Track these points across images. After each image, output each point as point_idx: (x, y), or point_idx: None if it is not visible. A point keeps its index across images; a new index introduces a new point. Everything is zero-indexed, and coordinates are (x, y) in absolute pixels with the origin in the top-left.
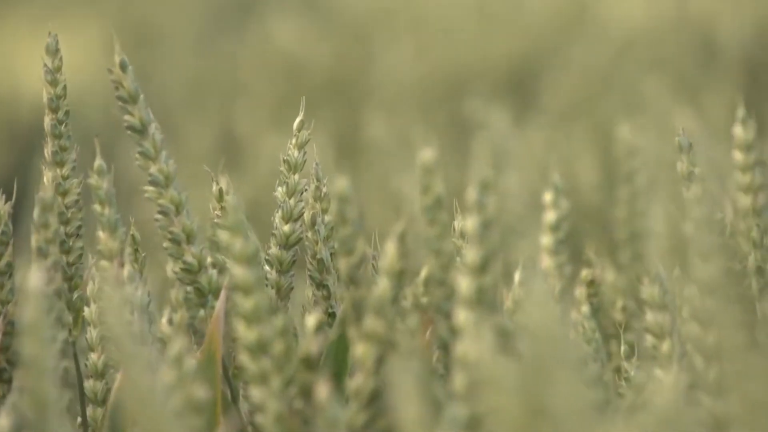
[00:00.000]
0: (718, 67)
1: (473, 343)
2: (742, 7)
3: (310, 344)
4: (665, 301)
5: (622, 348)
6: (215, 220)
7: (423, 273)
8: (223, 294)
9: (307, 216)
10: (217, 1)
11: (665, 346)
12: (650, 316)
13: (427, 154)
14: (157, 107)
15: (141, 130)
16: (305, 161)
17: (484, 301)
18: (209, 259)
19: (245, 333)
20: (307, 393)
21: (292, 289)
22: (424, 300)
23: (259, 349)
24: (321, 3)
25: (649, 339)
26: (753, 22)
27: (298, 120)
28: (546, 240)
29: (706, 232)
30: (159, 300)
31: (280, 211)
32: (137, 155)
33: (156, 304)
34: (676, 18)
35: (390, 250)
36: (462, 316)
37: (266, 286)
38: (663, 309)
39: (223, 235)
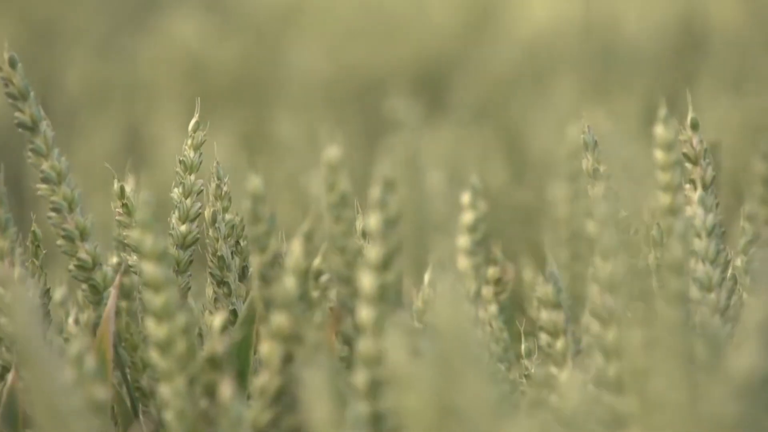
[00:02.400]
0: (627, 66)
1: (374, 340)
2: (647, 8)
3: (216, 344)
4: (559, 299)
5: (523, 346)
6: (117, 218)
7: (313, 264)
8: (113, 293)
9: (207, 214)
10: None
11: (559, 344)
12: (545, 315)
13: (332, 152)
14: (60, 107)
15: (32, 127)
16: (202, 162)
17: (387, 299)
18: (115, 258)
19: (155, 330)
20: (212, 392)
21: (189, 288)
22: (315, 293)
23: (168, 346)
24: (226, 2)
25: (544, 337)
26: (659, 22)
27: (193, 121)
28: (463, 241)
29: (608, 230)
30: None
31: (176, 212)
32: (29, 152)
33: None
34: (582, 19)
35: (296, 248)
36: (364, 313)
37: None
38: (557, 307)
39: (133, 232)
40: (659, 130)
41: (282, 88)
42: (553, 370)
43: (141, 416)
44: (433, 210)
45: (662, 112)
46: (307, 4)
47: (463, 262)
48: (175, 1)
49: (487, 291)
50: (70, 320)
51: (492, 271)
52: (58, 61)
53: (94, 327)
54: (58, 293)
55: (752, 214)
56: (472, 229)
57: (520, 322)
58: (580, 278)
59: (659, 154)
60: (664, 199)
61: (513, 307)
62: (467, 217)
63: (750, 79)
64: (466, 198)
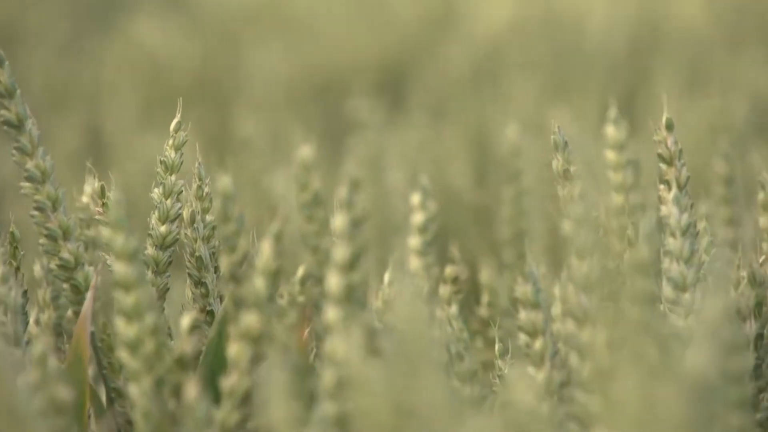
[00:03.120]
0: (587, 66)
1: (341, 341)
2: (607, 8)
3: (184, 344)
4: (538, 299)
5: (497, 346)
6: (96, 217)
7: (300, 271)
8: (90, 293)
9: (186, 214)
10: (84, 1)
11: (537, 345)
12: (523, 315)
13: (305, 152)
14: None
15: (18, 126)
16: (182, 162)
17: (353, 299)
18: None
19: (125, 330)
20: (180, 393)
21: (168, 289)
22: (301, 298)
23: (137, 346)
24: (188, 2)
25: (522, 337)
26: (619, 21)
27: (175, 121)
28: (414, 241)
29: (582, 231)
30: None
31: (156, 212)
32: (13, 151)
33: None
34: (544, 17)
35: (266, 248)
36: (331, 313)
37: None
38: (536, 307)
39: (106, 232)
40: (610, 131)
41: (244, 88)
42: (531, 370)
43: (113, 411)
44: (394, 210)
45: (613, 112)
46: (269, 4)
47: (415, 262)
48: (137, 2)
49: (445, 290)
50: (31, 321)
51: (449, 271)
52: (21, 62)
53: (56, 327)
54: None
55: (713, 214)
56: (423, 229)
57: (471, 321)
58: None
59: (611, 155)
60: (618, 199)
61: (464, 307)
62: (417, 217)
63: (708, 79)
64: (415, 199)
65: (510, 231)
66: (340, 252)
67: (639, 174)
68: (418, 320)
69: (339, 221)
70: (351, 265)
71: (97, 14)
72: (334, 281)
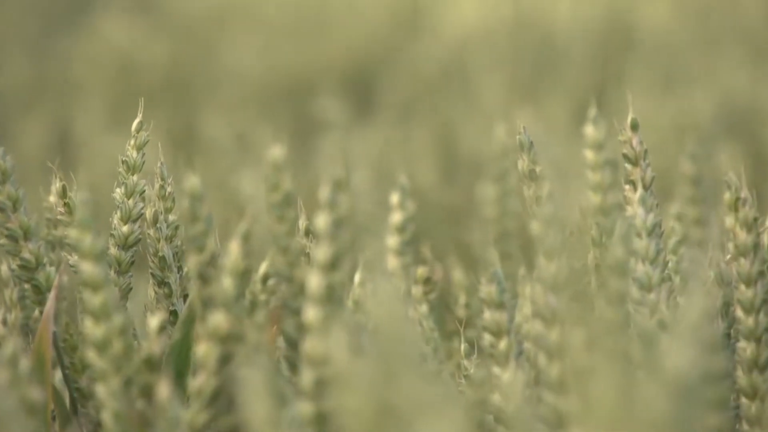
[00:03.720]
0: (555, 67)
1: (322, 340)
2: (576, 8)
3: (152, 344)
4: (503, 299)
5: (462, 346)
6: (58, 217)
7: (261, 269)
8: (53, 294)
9: (149, 214)
10: (52, 0)
11: (502, 344)
12: (488, 315)
13: (275, 151)
14: None
15: None
16: (144, 162)
17: (334, 299)
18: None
19: (93, 330)
20: (149, 393)
21: (131, 289)
22: (263, 297)
23: (105, 346)
24: (157, 2)
25: (487, 337)
26: (588, 21)
27: (136, 121)
28: (392, 241)
29: (551, 231)
30: None
31: (118, 212)
32: None
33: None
34: (512, 19)
35: (234, 248)
36: (311, 313)
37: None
38: (500, 307)
39: (72, 232)
40: (589, 131)
41: (213, 88)
42: (496, 370)
43: (79, 416)
44: (362, 210)
45: (592, 112)
46: (239, 4)
47: (393, 262)
48: (106, 1)
49: (417, 291)
50: None
51: (421, 271)
52: None
53: (24, 327)
54: None
55: (681, 214)
56: (401, 229)
57: (448, 322)
58: (510, 278)
59: (589, 154)
60: (595, 198)
61: (440, 307)
62: (396, 217)
63: (677, 79)
64: (395, 198)
65: (494, 231)
66: (322, 252)
67: (616, 173)
68: (398, 320)
69: (321, 221)
70: (332, 265)
71: (65, 13)
72: (315, 281)
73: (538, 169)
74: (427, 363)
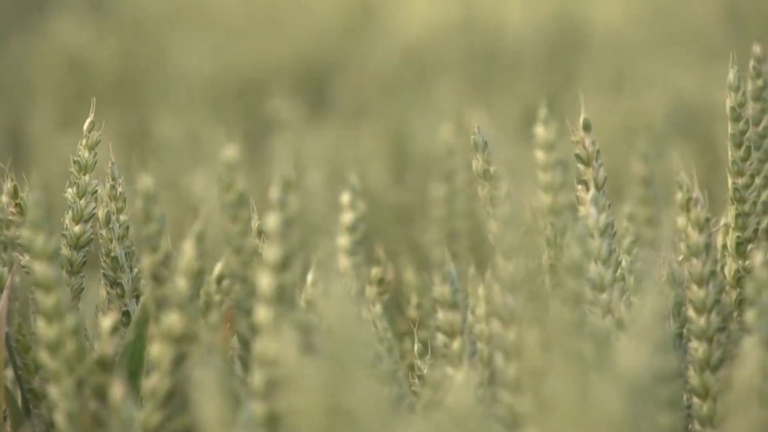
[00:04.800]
0: (508, 67)
1: (273, 341)
2: (528, 9)
3: (105, 345)
4: (455, 299)
5: (416, 346)
6: (10, 217)
7: (216, 270)
8: (5, 294)
9: (101, 214)
10: (4, 0)
11: (456, 345)
12: (441, 315)
13: (229, 152)
14: None
15: None
16: (96, 162)
17: (285, 299)
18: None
19: (45, 330)
20: (102, 394)
21: (82, 289)
22: (218, 297)
23: (58, 347)
24: (109, 3)
25: (440, 337)
26: (539, 23)
27: (88, 121)
28: (343, 241)
29: (508, 231)
30: None
31: (70, 212)
32: None
33: None
34: (464, 19)
35: (188, 248)
36: (262, 313)
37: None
38: (454, 308)
39: (24, 232)
40: (540, 131)
41: (164, 88)
42: (449, 370)
43: (32, 417)
44: (313, 210)
45: (542, 112)
46: (190, 4)
47: (344, 262)
48: (58, 2)
49: (370, 291)
50: None
51: (375, 272)
52: None
53: None
54: None
55: (633, 214)
56: (352, 229)
57: (399, 322)
58: (461, 278)
59: (540, 155)
60: (546, 199)
61: (392, 308)
62: (347, 217)
63: (628, 79)
64: (345, 198)
65: (441, 231)
66: (272, 252)
67: (567, 174)
68: (349, 319)
69: (271, 221)
70: (283, 265)
71: (16, 14)
72: (265, 281)
73: (492, 169)
74: (383, 363)
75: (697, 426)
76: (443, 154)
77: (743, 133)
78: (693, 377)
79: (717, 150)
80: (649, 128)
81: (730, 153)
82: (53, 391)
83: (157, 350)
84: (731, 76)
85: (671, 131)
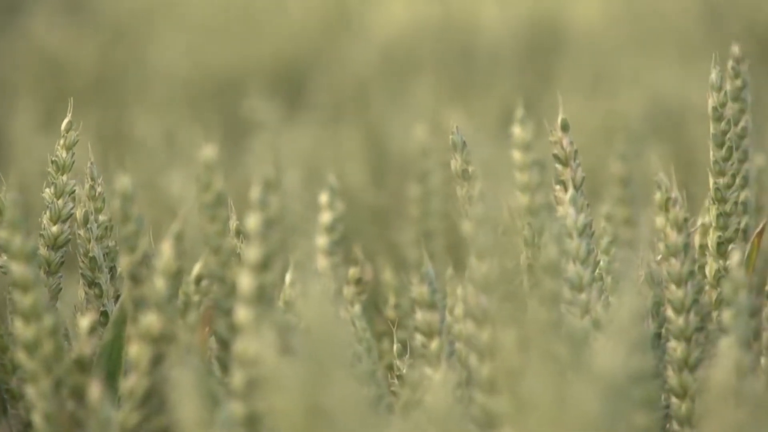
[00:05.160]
0: (486, 67)
1: (253, 341)
2: (506, 9)
3: (83, 345)
4: (434, 300)
5: (395, 346)
6: None
7: (195, 270)
8: None
9: (79, 214)
10: None
11: (434, 345)
12: (420, 315)
13: (207, 151)
14: None
15: None
16: (74, 162)
17: (265, 299)
18: None
19: (23, 330)
20: (80, 394)
21: (60, 290)
22: (196, 297)
23: (35, 347)
24: (85, 2)
25: (419, 338)
26: (517, 23)
27: (66, 121)
28: (321, 241)
29: (483, 231)
30: None
31: (48, 212)
32: None
33: None
34: (441, 20)
35: (166, 248)
36: (242, 313)
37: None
38: (432, 308)
39: (1, 232)
40: (517, 131)
41: (142, 88)
42: (428, 370)
43: (9, 417)
44: (292, 210)
45: (519, 113)
46: (167, 3)
47: (322, 262)
48: (36, 2)
49: (349, 291)
50: None
51: (353, 272)
52: None
53: None
54: None
55: (611, 214)
56: (330, 229)
57: (377, 323)
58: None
59: (517, 155)
60: (523, 199)
61: (370, 308)
62: (325, 217)
63: (605, 80)
64: (324, 198)
65: (416, 231)
66: (253, 252)
67: (545, 174)
68: (328, 320)
69: (252, 221)
70: (264, 265)
71: None
72: (246, 281)
73: (470, 169)
74: (362, 363)
75: (676, 426)
76: (418, 155)
77: (725, 133)
78: (671, 377)
79: (694, 150)
80: (627, 128)
81: (711, 153)
82: (31, 392)
83: (135, 350)
84: (713, 76)
85: (648, 131)
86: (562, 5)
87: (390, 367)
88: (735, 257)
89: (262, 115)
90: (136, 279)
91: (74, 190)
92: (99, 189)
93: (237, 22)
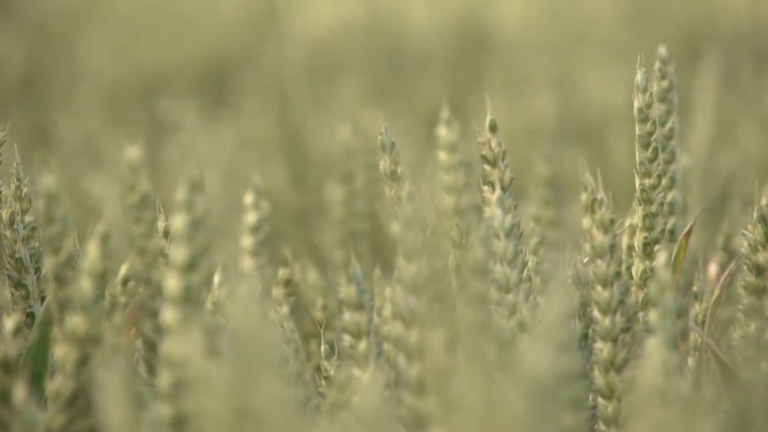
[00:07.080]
0: (409, 68)
1: (180, 342)
2: (433, 10)
3: (8, 346)
4: (362, 300)
5: (323, 347)
6: None
7: (122, 271)
8: None
9: (5, 215)
10: None
11: (362, 346)
12: (347, 316)
13: (132, 153)
14: None
15: None
16: (0, 162)
17: (191, 300)
18: None
19: None
20: (5, 396)
21: None
22: (122, 299)
23: None
24: (12, 3)
25: (347, 339)
26: (444, 24)
27: None
28: (247, 241)
29: (411, 232)
30: None
31: None
32: None
33: None
34: (369, 20)
35: (92, 249)
36: (169, 314)
37: None
38: (360, 309)
39: None
40: (442, 132)
41: (69, 89)
42: (356, 371)
43: None
44: (213, 211)
45: (445, 114)
46: (94, 3)
47: (248, 263)
48: None
49: (277, 292)
50: None
51: (282, 273)
52: None
53: None
54: None
55: (538, 215)
56: (256, 229)
57: (305, 324)
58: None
59: (443, 156)
60: (450, 200)
61: (297, 309)
62: (250, 217)
63: (530, 81)
64: (249, 198)
65: (341, 232)
66: (180, 253)
67: (470, 175)
68: (255, 321)
69: (178, 222)
70: (190, 266)
71: None
72: (172, 282)
73: (399, 170)
74: (289, 364)
75: (602, 426)
76: (342, 155)
77: (650, 134)
78: (598, 377)
79: (617, 152)
80: (551, 130)
81: (637, 154)
82: None
83: (61, 352)
84: (639, 77)
85: (567, 133)
86: (490, 6)
87: (318, 369)
88: (661, 258)
89: (178, 116)
90: (61, 280)
91: (0, 191)
92: (25, 190)
93: (165, 21)
